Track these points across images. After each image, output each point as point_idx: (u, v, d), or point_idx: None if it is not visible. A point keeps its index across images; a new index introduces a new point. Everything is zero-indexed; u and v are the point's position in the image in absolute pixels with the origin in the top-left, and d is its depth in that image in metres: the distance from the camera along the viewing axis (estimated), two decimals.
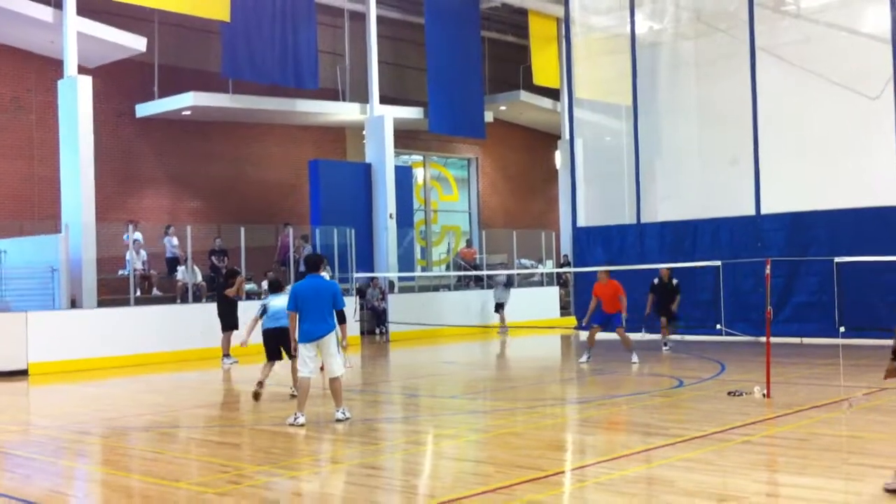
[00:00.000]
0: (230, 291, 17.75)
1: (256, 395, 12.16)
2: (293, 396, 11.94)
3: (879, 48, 18.37)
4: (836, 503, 6.63)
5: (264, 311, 12.62)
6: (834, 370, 13.40)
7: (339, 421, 10.29)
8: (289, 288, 12.05)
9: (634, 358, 15.86)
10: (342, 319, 10.19)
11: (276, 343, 12.42)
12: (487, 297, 25.63)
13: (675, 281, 17.87)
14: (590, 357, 16.26)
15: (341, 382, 10.38)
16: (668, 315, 17.89)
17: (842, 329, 13.27)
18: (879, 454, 7.72)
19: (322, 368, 10.91)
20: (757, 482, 7.27)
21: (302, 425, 10.05)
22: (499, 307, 24.77)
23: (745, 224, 19.58)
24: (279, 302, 12.23)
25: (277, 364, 12.56)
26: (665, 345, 17.96)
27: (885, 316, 15.37)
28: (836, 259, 14.07)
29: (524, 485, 7.23)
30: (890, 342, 6.85)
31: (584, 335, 21.46)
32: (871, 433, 9.01)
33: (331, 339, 10.13)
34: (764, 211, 19.34)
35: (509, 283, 24.05)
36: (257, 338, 12.64)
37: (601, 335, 16.81)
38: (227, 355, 17.46)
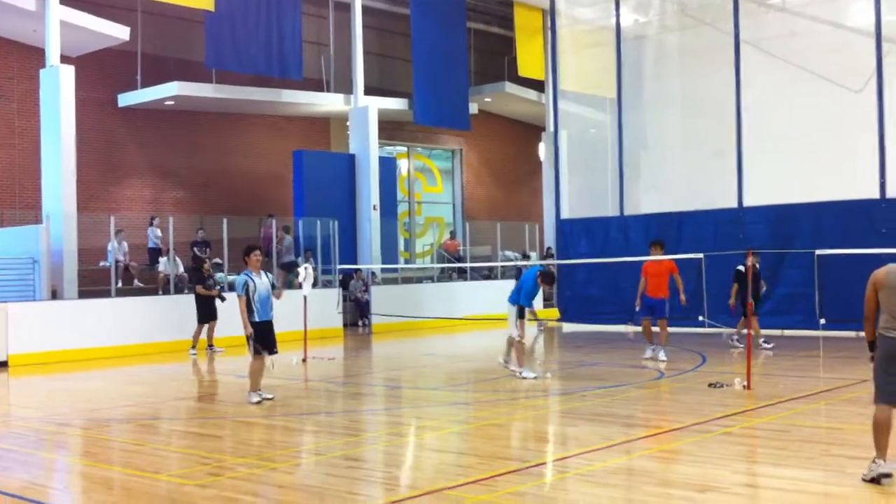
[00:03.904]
0: (201, 290, 17.80)
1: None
2: (261, 399, 11.23)
3: (863, 42, 18.46)
4: (815, 494, 6.65)
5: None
6: (814, 362, 13.48)
7: (505, 367, 13.35)
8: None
9: (662, 356, 14.54)
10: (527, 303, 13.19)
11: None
12: (471, 288, 25.57)
13: (756, 265, 15.12)
14: (655, 350, 14.80)
15: (514, 346, 13.26)
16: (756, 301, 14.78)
17: (822, 321, 13.32)
18: (859, 445, 7.75)
19: None
20: (737, 473, 7.30)
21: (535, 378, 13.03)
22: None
23: (729, 216, 19.64)
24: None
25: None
26: (766, 342, 16.41)
27: None
28: (818, 251, 14.08)
29: (506, 476, 7.24)
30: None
31: (570, 326, 21.57)
32: (851, 424, 9.06)
33: (510, 311, 13.13)
34: (747, 203, 19.43)
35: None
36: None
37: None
38: (205, 346, 17.63)
